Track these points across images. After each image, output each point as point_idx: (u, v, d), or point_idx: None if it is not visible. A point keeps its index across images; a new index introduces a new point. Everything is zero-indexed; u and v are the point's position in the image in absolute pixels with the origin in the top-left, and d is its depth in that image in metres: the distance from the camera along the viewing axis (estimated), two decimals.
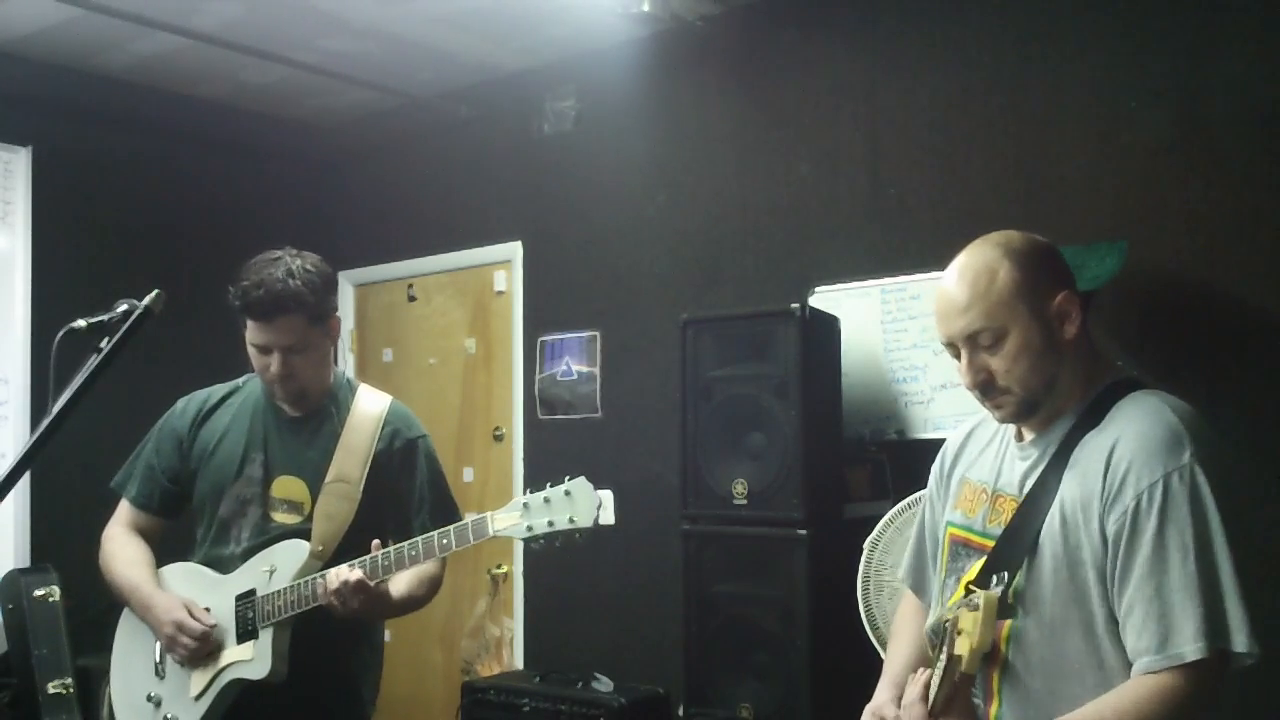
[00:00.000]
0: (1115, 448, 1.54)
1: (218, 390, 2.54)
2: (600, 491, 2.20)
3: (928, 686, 1.59)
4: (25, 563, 4.07)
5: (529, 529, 2.13)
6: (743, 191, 3.96)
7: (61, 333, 1.82)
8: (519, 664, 4.48)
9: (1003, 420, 1.70)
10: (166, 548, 2.58)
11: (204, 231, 4.75)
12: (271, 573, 2.31)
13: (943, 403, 3.43)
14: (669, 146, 4.19)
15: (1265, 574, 2.93)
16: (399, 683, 4.96)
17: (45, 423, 1.67)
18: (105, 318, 1.83)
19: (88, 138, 4.54)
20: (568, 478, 2.16)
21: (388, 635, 4.95)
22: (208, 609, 2.34)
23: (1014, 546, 1.60)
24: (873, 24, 3.68)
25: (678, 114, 4.18)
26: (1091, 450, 1.57)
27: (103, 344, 1.78)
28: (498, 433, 4.71)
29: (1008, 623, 1.60)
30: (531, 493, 2.17)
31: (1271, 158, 2.93)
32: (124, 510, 2.55)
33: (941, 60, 3.51)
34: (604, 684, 3.87)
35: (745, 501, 3.18)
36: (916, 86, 3.56)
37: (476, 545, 2.29)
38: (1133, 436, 1.53)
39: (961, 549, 1.74)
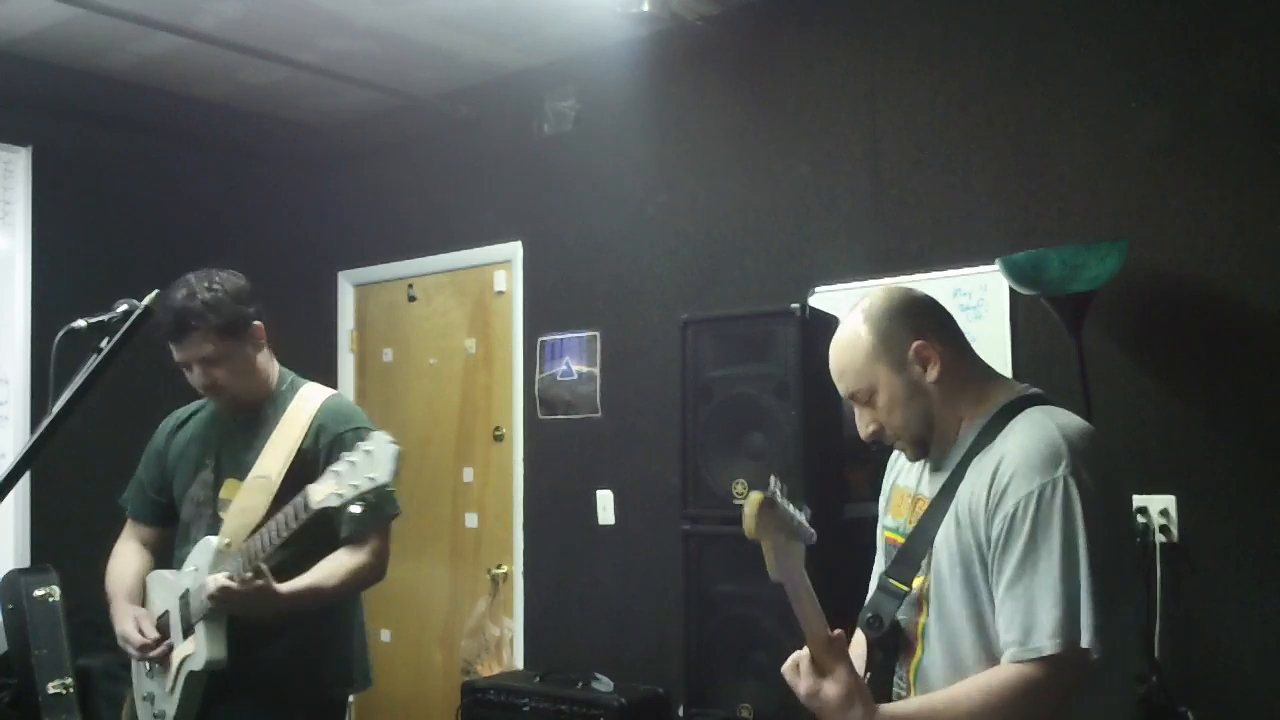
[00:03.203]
0: (1001, 462, 1.69)
1: (191, 406, 2.73)
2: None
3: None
4: (25, 563, 4.07)
5: (340, 495, 2.17)
6: (743, 191, 3.96)
7: (61, 333, 1.83)
8: (519, 664, 4.48)
9: (910, 460, 1.90)
10: None
11: (204, 231, 4.75)
12: (196, 571, 2.45)
13: None
14: (669, 146, 4.19)
15: (1264, 573, 2.94)
16: (399, 682, 4.96)
17: (45, 423, 1.68)
18: (105, 318, 1.84)
19: (88, 138, 4.54)
20: (371, 433, 2.20)
21: (387, 635, 4.98)
22: (167, 612, 2.52)
23: (918, 544, 1.79)
24: (873, 24, 3.68)
25: (678, 114, 4.18)
26: (984, 464, 1.73)
27: (103, 344, 1.79)
28: (498, 433, 4.71)
29: (921, 620, 1.77)
30: (342, 458, 2.20)
31: (1271, 158, 2.93)
32: (127, 524, 2.76)
33: (941, 60, 3.51)
34: (604, 684, 3.87)
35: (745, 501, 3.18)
36: (916, 86, 3.56)
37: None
38: (1016, 451, 1.68)
39: (890, 549, 1.91)
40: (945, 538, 1.74)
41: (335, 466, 2.19)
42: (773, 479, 1.73)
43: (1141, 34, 3.15)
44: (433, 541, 4.90)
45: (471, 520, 4.78)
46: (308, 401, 2.56)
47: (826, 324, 3.34)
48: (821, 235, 3.76)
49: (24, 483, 3.76)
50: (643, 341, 4.16)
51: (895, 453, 2.02)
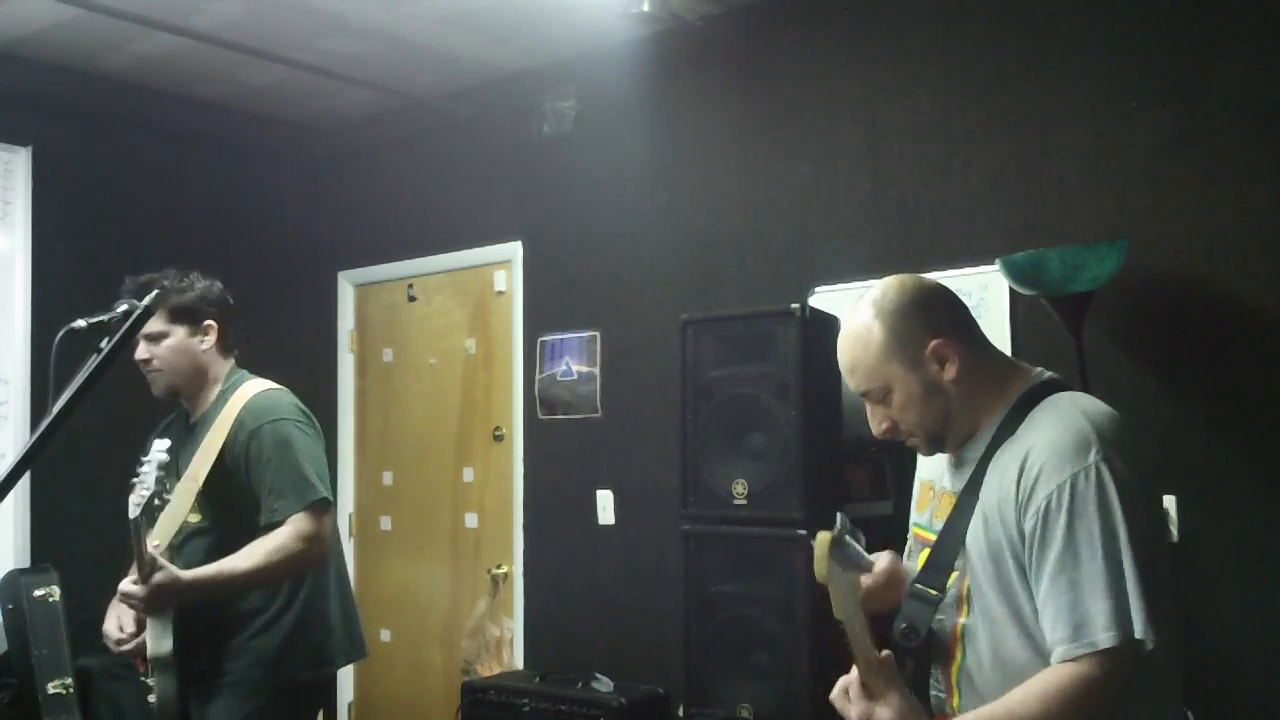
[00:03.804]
0: (1029, 453, 1.64)
1: (172, 415, 2.84)
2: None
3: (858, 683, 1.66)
4: (25, 563, 4.07)
5: (138, 505, 2.36)
6: (743, 191, 3.96)
7: (61, 333, 1.83)
8: (519, 664, 4.48)
9: (923, 455, 1.85)
10: None
11: (204, 231, 4.75)
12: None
13: None
14: (669, 146, 4.19)
15: (1264, 573, 2.94)
16: (399, 683, 4.96)
17: (45, 423, 1.68)
18: (105, 318, 1.84)
19: (88, 138, 4.54)
20: (152, 441, 2.49)
21: (387, 635, 4.98)
22: None
23: (948, 545, 1.73)
24: (873, 24, 3.68)
25: (678, 114, 4.18)
26: (1009, 457, 1.68)
27: (103, 344, 1.79)
28: (498, 433, 4.71)
29: (961, 621, 1.71)
30: (142, 464, 2.44)
31: (1271, 158, 2.93)
32: None
33: (941, 61, 3.51)
34: (604, 684, 3.87)
35: (745, 501, 3.18)
36: (916, 87, 3.56)
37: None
38: (1043, 441, 1.64)
39: (917, 545, 1.87)
40: (975, 536, 1.69)
41: (135, 478, 2.41)
42: (839, 517, 1.67)
43: (1141, 34, 3.15)
44: (433, 541, 4.90)
45: (471, 520, 4.78)
46: (236, 401, 2.65)
47: (827, 324, 3.34)
48: (821, 235, 3.76)
49: (24, 483, 3.75)
50: (643, 341, 4.16)
51: None
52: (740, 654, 3.19)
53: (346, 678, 5.04)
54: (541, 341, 4.50)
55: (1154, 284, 3.08)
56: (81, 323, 1.85)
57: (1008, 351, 3.31)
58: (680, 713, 3.52)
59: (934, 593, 1.72)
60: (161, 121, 4.76)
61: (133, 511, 2.39)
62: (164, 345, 2.62)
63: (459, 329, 4.91)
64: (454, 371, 4.92)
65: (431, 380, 5.00)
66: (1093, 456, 1.59)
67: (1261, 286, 2.94)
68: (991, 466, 1.70)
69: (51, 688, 3.67)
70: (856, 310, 1.81)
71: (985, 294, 3.37)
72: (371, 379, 5.26)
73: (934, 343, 1.73)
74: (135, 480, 2.47)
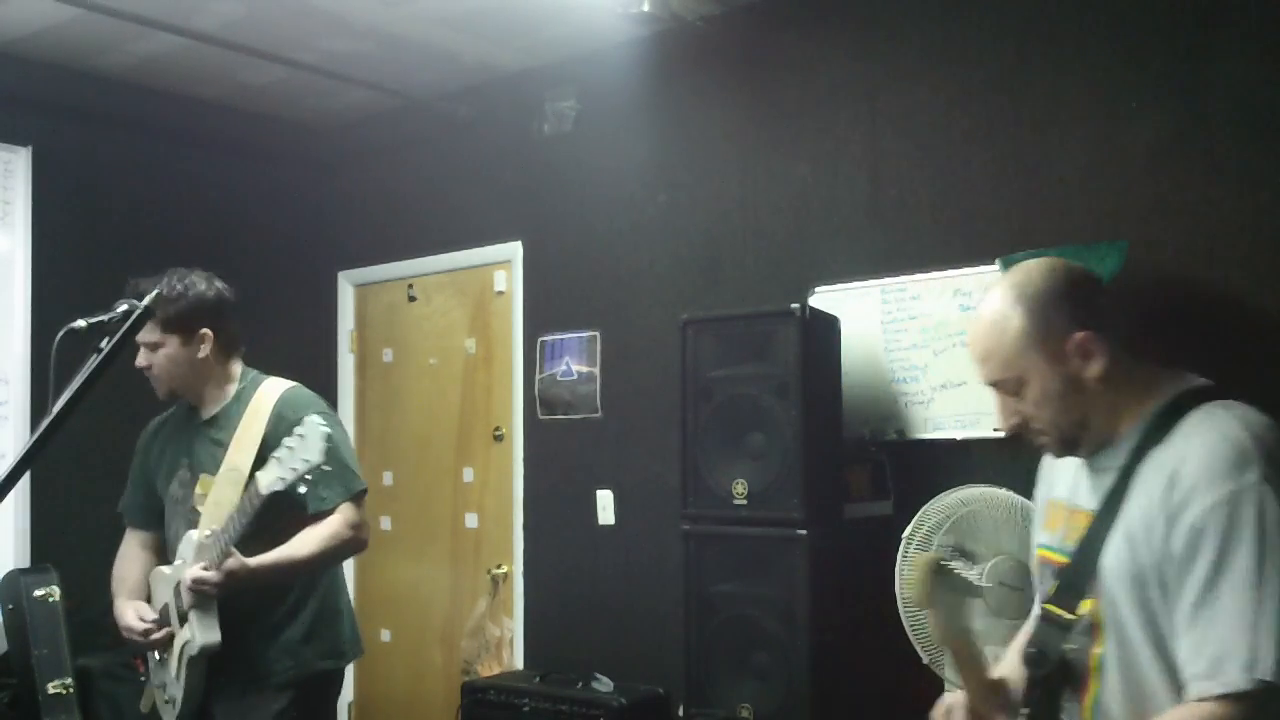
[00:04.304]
0: (1180, 465, 1.50)
1: (166, 412, 2.88)
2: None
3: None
4: (25, 563, 4.07)
5: (283, 479, 2.40)
6: (743, 191, 3.96)
7: (61, 333, 1.83)
8: (519, 664, 4.48)
9: (1054, 456, 1.70)
10: None
11: (204, 231, 4.75)
12: (182, 563, 2.61)
13: (943, 403, 3.43)
14: (669, 146, 4.19)
15: None
16: (399, 682, 4.96)
17: (45, 423, 1.68)
18: (105, 318, 1.85)
19: (88, 138, 4.53)
20: (304, 418, 2.44)
21: (387, 635, 4.98)
22: (166, 604, 2.66)
23: (1083, 565, 1.58)
24: (873, 24, 3.68)
25: (678, 114, 4.18)
26: (1155, 468, 1.54)
27: (103, 344, 1.79)
28: (498, 433, 4.71)
29: (1096, 650, 1.58)
30: (281, 444, 2.45)
31: (1271, 158, 2.93)
32: (127, 531, 2.91)
33: (941, 60, 3.51)
34: (604, 684, 3.87)
35: (745, 501, 3.18)
36: (916, 86, 3.56)
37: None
38: (1197, 455, 1.50)
39: (1046, 569, 1.71)
40: (1116, 556, 1.54)
41: (276, 454, 2.42)
42: (938, 541, 1.62)
43: (1141, 34, 3.14)
44: (433, 541, 4.90)
45: (471, 520, 4.78)
46: (267, 394, 2.71)
47: (827, 324, 3.35)
48: (821, 235, 3.76)
49: (24, 483, 3.76)
50: (643, 341, 4.16)
51: (1046, 461, 1.82)
52: (740, 654, 3.19)
53: (346, 677, 5.03)
54: (541, 341, 4.50)
55: (1154, 284, 3.08)
56: (81, 323, 1.85)
57: None
58: (680, 713, 3.52)
59: (1068, 616, 1.59)
60: (161, 121, 4.76)
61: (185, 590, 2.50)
62: (160, 354, 2.65)
63: (459, 329, 4.91)
64: (454, 371, 4.92)
65: (431, 380, 5.00)
66: (1253, 476, 1.45)
67: (1262, 286, 2.94)
68: (1135, 479, 1.56)
69: (51, 688, 3.67)
70: (995, 295, 1.66)
71: (985, 294, 3.36)
72: (371, 379, 5.26)
73: (1079, 335, 1.59)
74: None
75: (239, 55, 4.28)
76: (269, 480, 2.41)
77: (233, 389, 2.74)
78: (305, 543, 2.58)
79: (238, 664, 2.60)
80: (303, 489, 2.43)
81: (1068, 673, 1.60)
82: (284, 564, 2.55)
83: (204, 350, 2.68)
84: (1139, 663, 1.53)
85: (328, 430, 2.40)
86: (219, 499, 2.58)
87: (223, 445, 2.66)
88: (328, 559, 2.65)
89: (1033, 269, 1.66)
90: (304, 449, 2.38)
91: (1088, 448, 1.64)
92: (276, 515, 2.52)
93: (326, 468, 2.42)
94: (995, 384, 1.65)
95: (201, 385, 2.72)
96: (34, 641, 3.70)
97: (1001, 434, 1.69)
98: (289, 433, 2.54)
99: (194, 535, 2.58)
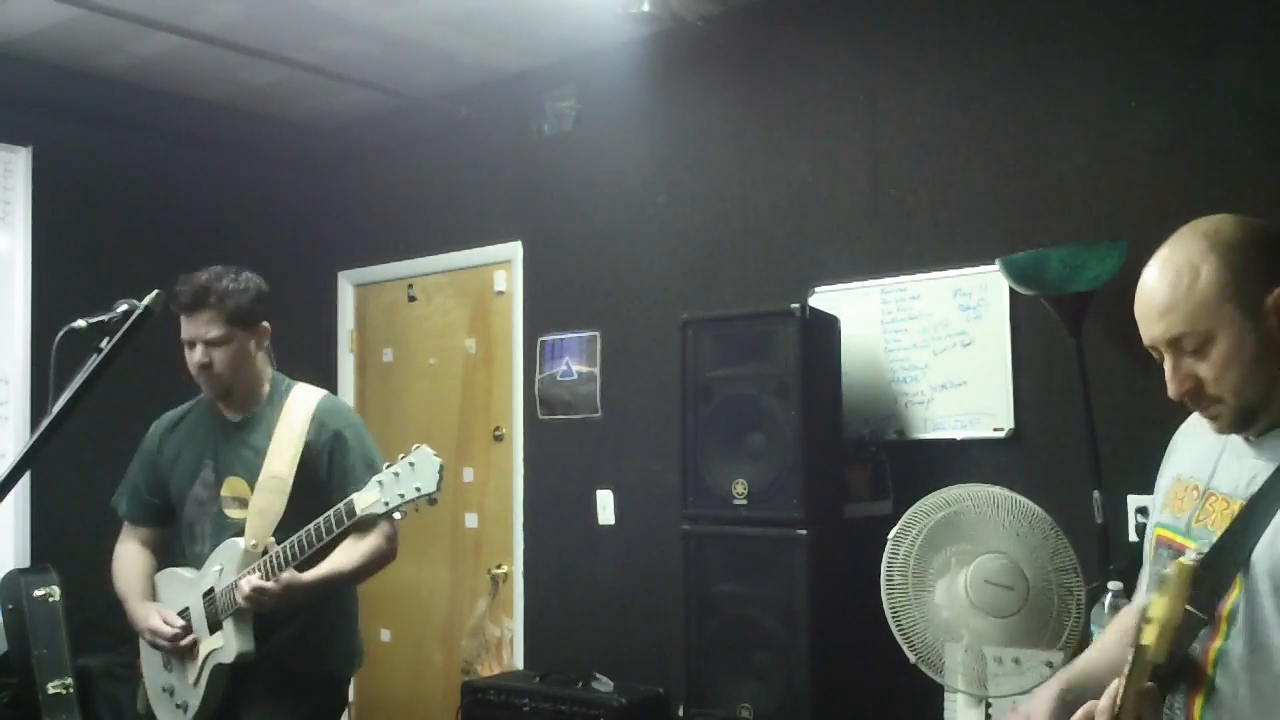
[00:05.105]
0: None
1: (181, 409, 2.83)
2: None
3: (1115, 696, 1.40)
4: (25, 563, 4.07)
5: (386, 504, 2.39)
6: (743, 191, 3.96)
7: (61, 333, 1.83)
8: (519, 664, 4.48)
9: (1220, 431, 1.51)
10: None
11: (204, 231, 4.75)
12: (220, 571, 2.57)
13: (943, 403, 3.43)
14: (669, 146, 4.19)
15: None
16: (399, 682, 4.96)
17: (45, 423, 1.68)
18: (105, 318, 1.84)
19: (88, 138, 4.54)
20: (414, 447, 2.40)
21: (387, 635, 4.98)
22: (187, 608, 2.62)
23: (1228, 557, 1.42)
24: (873, 24, 3.67)
25: (678, 114, 4.18)
26: None
27: (103, 344, 1.79)
28: (498, 433, 4.71)
29: (1215, 645, 1.44)
30: (386, 469, 2.42)
31: (1271, 158, 2.93)
32: (124, 527, 2.84)
33: (941, 60, 3.51)
34: (604, 684, 3.87)
35: (745, 501, 3.18)
36: (916, 86, 3.56)
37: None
38: None
39: (1165, 551, 1.56)
40: (1267, 552, 1.39)
41: (379, 477, 2.39)
42: (1191, 552, 1.42)
43: (1141, 34, 3.15)
44: (433, 541, 4.89)
45: (471, 520, 4.78)
46: (303, 401, 2.68)
47: (827, 324, 3.35)
48: (821, 235, 3.76)
49: (24, 483, 3.75)
50: (643, 341, 4.16)
51: (1178, 436, 1.68)
52: (740, 654, 3.19)
53: None
54: (541, 341, 4.50)
55: None
56: (81, 323, 1.85)
57: (1008, 352, 3.33)
58: (680, 713, 3.52)
59: (1203, 615, 1.43)
60: (161, 121, 4.76)
61: (227, 597, 2.51)
62: (224, 350, 2.58)
63: (459, 329, 4.91)
64: (454, 371, 4.92)
65: (431, 380, 5.00)
66: None
67: None
68: None
69: (51, 688, 3.67)
70: (1176, 242, 1.49)
71: (985, 294, 3.37)
72: (371, 379, 5.26)
73: (1279, 292, 1.39)
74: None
75: (239, 55, 4.28)
76: (368, 503, 2.39)
77: (265, 391, 2.70)
78: (351, 557, 2.55)
79: (266, 668, 2.57)
80: (400, 515, 2.43)
81: (1181, 669, 1.46)
82: (334, 578, 2.53)
83: (263, 343, 2.67)
84: (1272, 665, 1.39)
85: (441, 462, 2.37)
86: (263, 508, 2.55)
87: (255, 450, 2.62)
88: (369, 572, 2.62)
89: (1219, 220, 1.50)
90: (414, 477, 2.37)
91: (1261, 425, 1.45)
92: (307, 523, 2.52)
93: (430, 502, 2.42)
94: (1173, 340, 1.45)
95: (252, 383, 2.68)
96: (34, 641, 3.70)
97: (1172, 397, 1.49)
98: (344, 444, 2.58)
99: (240, 543, 2.55)
